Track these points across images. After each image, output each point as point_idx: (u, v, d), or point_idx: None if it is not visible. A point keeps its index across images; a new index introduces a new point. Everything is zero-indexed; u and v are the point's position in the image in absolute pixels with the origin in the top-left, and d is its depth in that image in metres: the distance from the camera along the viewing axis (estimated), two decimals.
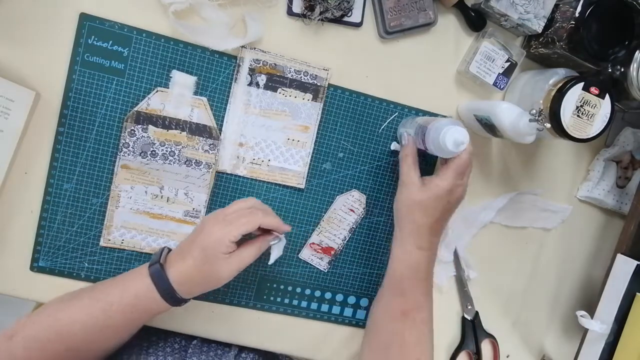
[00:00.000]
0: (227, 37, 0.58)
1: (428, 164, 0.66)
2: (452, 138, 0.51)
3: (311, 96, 0.61)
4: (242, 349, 0.65)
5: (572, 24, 0.57)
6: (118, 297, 0.51)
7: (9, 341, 0.49)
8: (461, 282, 0.70)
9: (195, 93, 0.59)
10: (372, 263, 0.67)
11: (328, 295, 0.67)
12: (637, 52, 0.59)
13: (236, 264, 0.51)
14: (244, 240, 0.53)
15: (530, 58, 0.66)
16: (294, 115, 0.62)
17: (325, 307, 0.67)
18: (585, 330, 0.63)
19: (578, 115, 0.55)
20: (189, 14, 0.57)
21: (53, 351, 0.50)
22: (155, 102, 0.58)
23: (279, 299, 0.65)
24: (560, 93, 0.55)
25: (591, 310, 0.63)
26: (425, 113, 0.65)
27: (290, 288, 0.65)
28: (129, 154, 0.58)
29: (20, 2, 0.55)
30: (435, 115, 0.65)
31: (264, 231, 0.55)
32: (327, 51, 0.61)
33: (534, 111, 0.53)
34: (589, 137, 0.56)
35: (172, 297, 0.51)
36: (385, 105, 0.64)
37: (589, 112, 0.55)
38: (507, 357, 0.73)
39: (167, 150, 0.59)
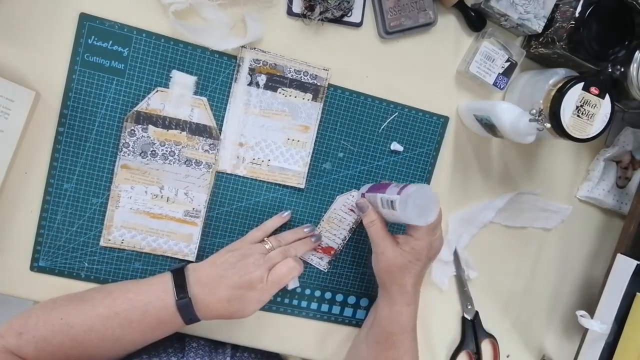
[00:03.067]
0: (227, 37, 0.58)
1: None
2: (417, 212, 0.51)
3: (311, 96, 0.61)
4: (236, 347, 0.65)
5: (572, 24, 0.57)
6: (139, 317, 0.52)
7: (19, 337, 0.50)
8: (461, 282, 0.70)
9: (195, 93, 0.59)
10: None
11: (328, 295, 0.67)
12: (637, 52, 0.59)
13: (260, 305, 0.55)
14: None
15: (530, 58, 0.66)
16: (294, 115, 0.62)
17: (325, 307, 0.67)
18: (585, 330, 0.63)
19: (578, 115, 0.55)
20: (189, 14, 0.57)
21: (64, 355, 0.51)
22: (155, 102, 0.58)
23: (278, 299, 0.65)
24: (560, 93, 0.55)
25: (591, 310, 0.63)
26: (425, 113, 0.65)
27: (290, 287, 0.65)
28: (129, 154, 0.58)
29: (20, 2, 0.55)
30: (432, 113, 0.65)
31: None
32: (327, 51, 0.61)
33: (534, 111, 0.53)
34: (589, 137, 0.56)
35: (193, 321, 0.53)
36: (385, 105, 0.64)
37: (589, 112, 0.55)
38: (507, 357, 0.73)
39: (167, 150, 0.59)
